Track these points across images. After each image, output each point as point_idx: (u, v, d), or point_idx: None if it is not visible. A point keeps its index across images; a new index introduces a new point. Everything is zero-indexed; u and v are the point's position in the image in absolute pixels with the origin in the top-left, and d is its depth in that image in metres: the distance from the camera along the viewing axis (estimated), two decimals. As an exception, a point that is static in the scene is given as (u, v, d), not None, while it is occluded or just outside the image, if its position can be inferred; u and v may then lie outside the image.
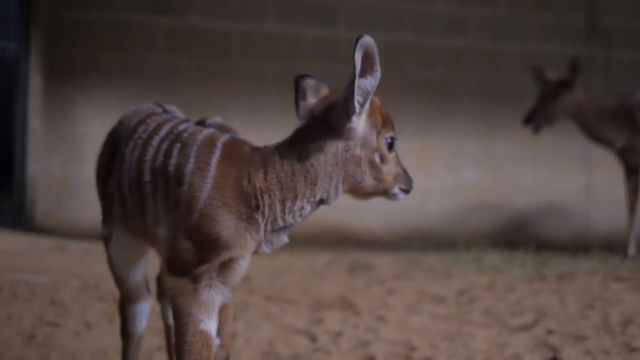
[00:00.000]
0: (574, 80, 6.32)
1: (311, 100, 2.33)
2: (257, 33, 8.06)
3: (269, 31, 8.10)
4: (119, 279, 2.75)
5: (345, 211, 7.95)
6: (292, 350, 3.85)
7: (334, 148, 2.23)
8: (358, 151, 2.25)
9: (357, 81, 2.17)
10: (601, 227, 8.06)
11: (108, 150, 2.68)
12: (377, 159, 2.28)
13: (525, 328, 4.22)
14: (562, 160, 7.29)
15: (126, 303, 2.81)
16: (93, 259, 5.75)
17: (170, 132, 2.39)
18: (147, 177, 2.35)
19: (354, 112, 2.21)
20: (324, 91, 2.37)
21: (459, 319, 4.46)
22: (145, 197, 2.36)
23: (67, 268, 5.33)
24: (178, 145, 2.32)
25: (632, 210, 6.35)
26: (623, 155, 6.38)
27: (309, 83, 2.36)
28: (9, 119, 7.34)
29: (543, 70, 6.49)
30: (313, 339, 4.08)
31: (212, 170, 2.26)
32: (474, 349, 3.85)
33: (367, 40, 2.14)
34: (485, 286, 5.29)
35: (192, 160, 2.27)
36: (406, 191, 2.36)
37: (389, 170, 2.31)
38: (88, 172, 7.65)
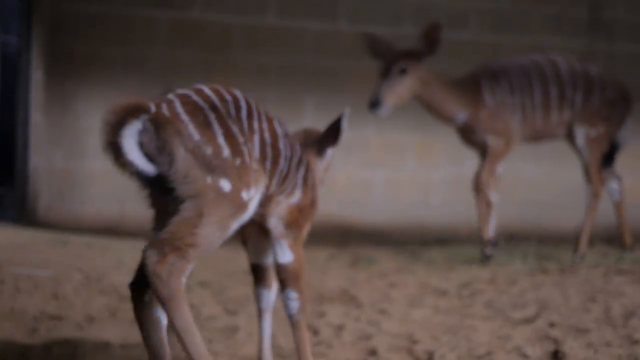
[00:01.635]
0: (430, 51, 5.68)
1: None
2: (259, 27, 8.06)
3: (270, 25, 8.09)
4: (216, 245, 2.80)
5: (347, 205, 7.96)
6: (294, 344, 3.84)
7: (319, 164, 3.30)
8: (326, 163, 3.34)
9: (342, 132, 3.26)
10: (603, 220, 8.05)
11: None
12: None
13: (527, 321, 4.22)
14: (564, 154, 7.26)
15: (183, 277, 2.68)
16: (95, 253, 5.75)
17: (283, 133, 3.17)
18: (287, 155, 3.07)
19: (335, 146, 3.31)
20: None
21: (460, 312, 4.46)
22: (279, 170, 3.03)
23: (70, 262, 5.33)
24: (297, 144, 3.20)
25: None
26: (464, 133, 5.89)
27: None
28: (11, 112, 7.34)
29: (378, 39, 5.81)
30: (315, 332, 4.08)
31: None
32: (475, 342, 3.85)
33: (348, 111, 3.24)
34: (487, 279, 5.29)
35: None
36: None
37: None
38: (90, 165, 7.67)
